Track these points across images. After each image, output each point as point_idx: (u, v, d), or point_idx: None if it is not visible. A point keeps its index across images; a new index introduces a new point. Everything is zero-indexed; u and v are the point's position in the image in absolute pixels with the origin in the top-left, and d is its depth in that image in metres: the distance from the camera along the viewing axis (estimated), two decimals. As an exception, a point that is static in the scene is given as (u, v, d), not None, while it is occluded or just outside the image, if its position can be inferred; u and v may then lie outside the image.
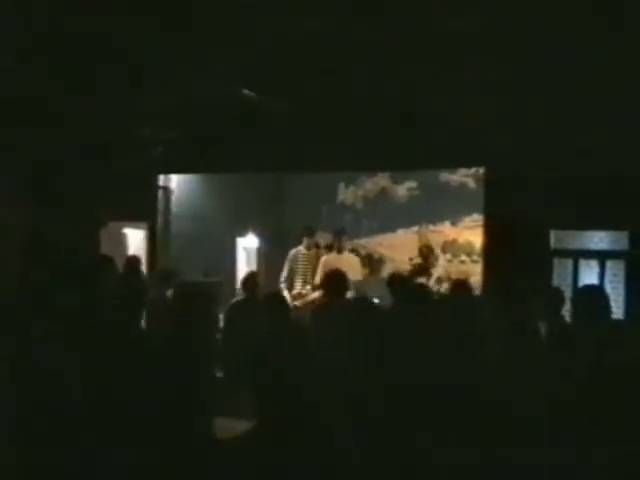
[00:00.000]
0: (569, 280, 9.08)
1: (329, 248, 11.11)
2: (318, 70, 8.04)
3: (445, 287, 9.85)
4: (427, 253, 10.40)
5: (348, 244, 11.23)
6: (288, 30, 7.01)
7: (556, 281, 8.92)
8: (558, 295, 6.45)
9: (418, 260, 10.52)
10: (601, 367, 4.66)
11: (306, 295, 10.41)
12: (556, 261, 9.27)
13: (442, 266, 10.62)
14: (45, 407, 4.66)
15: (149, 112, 9.61)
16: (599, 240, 9.33)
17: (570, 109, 8.20)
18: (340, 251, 10.58)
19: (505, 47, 7.00)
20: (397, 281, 7.22)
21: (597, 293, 5.49)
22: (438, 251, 12.04)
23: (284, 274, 10.74)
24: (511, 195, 8.94)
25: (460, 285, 7.34)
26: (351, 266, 10.11)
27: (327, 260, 10.46)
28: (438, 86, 8.05)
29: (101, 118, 9.60)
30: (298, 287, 10.69)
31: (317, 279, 10.15)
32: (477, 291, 9.39)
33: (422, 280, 9.84)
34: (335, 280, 7.03)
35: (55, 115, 9.29)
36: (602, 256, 9.17)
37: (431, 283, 9.96)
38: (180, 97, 9.07)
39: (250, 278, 9.05)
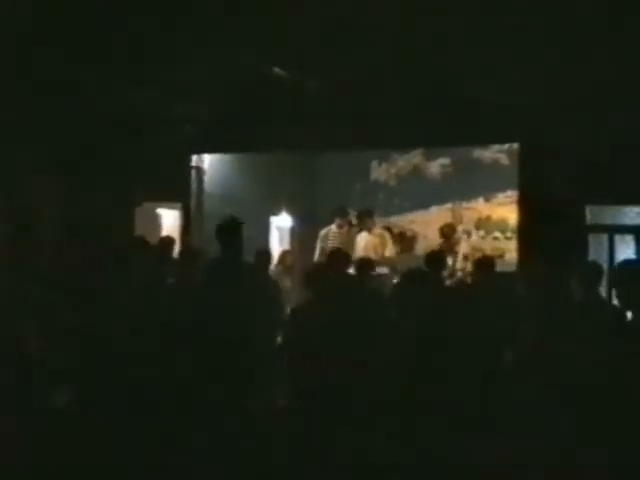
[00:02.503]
0: (605, 256, 8.98)
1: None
2: (349, 49, 8.02)
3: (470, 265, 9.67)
4: (449, 232, 10.28)
5: (380, 222, 11.32)
6: (320, 11, 7.01)
7: (591, 257, 8.80)
8: (595, 269, 6.28)
9: (440, 240, 10.41)
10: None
11: None
12: (591, 237, 9.17)
13: (466, 243, 10.53)
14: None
15: (180, 92, 9.63)
16: (635, 215, 9.21)
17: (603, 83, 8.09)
18: (369, 230, 10.80)
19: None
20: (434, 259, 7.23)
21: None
22: (469, 227, 12.02)
23: (317, 253, 10.78)
24: (545, 170, 8.85)
25: (485, 263, 7.46)
26: (382, 243, 10.61)
27: (359, 238, 10.80)
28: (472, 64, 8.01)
29: (132, 98, 9.63)
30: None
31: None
32: (512, 268, 9.34)
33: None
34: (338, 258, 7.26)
35: (85, 95, 9.33)
36: (638, 231, 9.06)
37: (458, 261, 9.86)
38: (212, 77, 9.08)
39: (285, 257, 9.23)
